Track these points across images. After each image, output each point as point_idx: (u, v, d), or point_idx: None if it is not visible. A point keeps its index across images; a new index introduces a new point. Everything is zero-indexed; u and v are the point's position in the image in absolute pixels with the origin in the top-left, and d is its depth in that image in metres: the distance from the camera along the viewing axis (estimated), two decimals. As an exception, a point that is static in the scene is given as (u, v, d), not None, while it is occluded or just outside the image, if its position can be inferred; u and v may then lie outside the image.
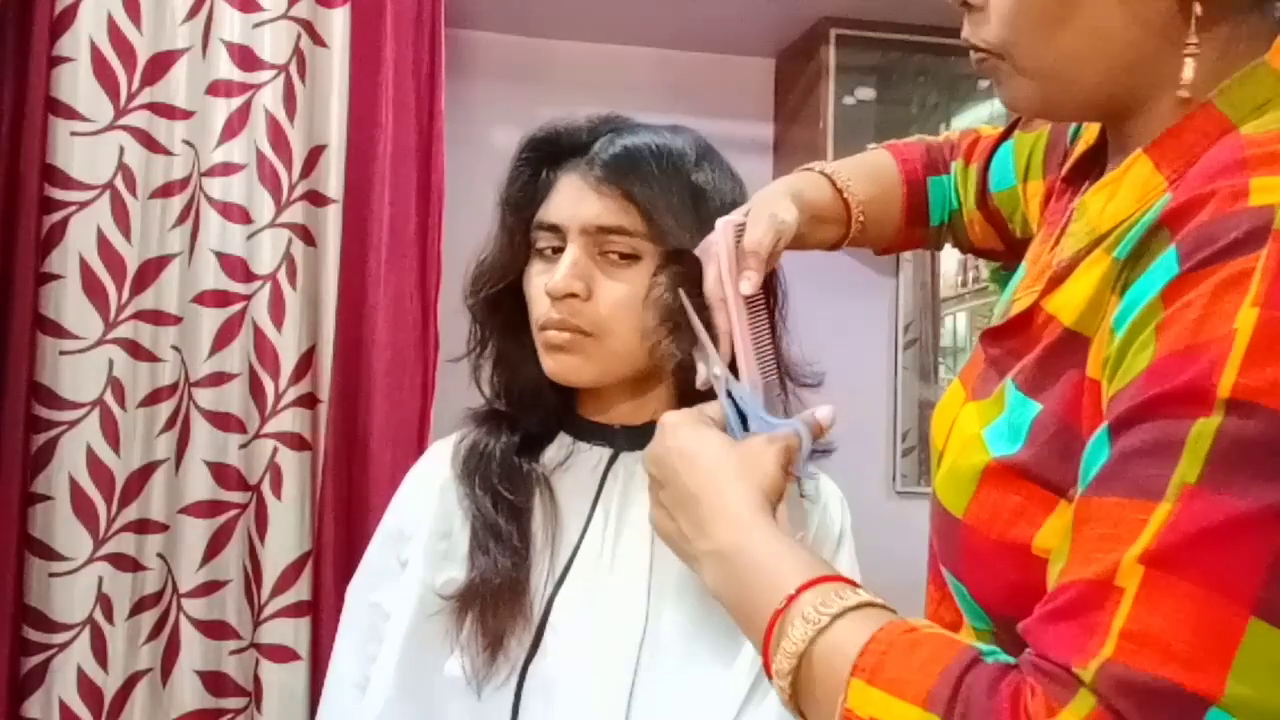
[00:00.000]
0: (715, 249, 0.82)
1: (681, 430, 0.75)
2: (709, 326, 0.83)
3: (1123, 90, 0.64)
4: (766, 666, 0.61)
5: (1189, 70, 0.60)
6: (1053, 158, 0.84)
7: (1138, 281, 0.56)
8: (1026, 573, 0.59)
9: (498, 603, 0.93)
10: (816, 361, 1.02)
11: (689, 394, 0.92)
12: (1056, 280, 0.64)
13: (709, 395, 0.84)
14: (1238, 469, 0.49)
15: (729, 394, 0.79)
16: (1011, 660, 0.54)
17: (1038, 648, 0.52)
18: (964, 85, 2.21)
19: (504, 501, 0.97)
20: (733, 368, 0.82)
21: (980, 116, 2.22)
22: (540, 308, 0.97)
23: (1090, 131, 0.74)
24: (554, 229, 0.98)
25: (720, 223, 0.83)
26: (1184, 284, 0.52)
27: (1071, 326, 0.61)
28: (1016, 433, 0.62)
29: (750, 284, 0.79)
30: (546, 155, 1.01)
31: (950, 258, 2.53)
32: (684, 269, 0.93)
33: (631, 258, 0.96)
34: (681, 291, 0.89)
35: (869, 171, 0.97)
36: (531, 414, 1.03)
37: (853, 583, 0.61)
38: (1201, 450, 0.49)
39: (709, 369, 0.82)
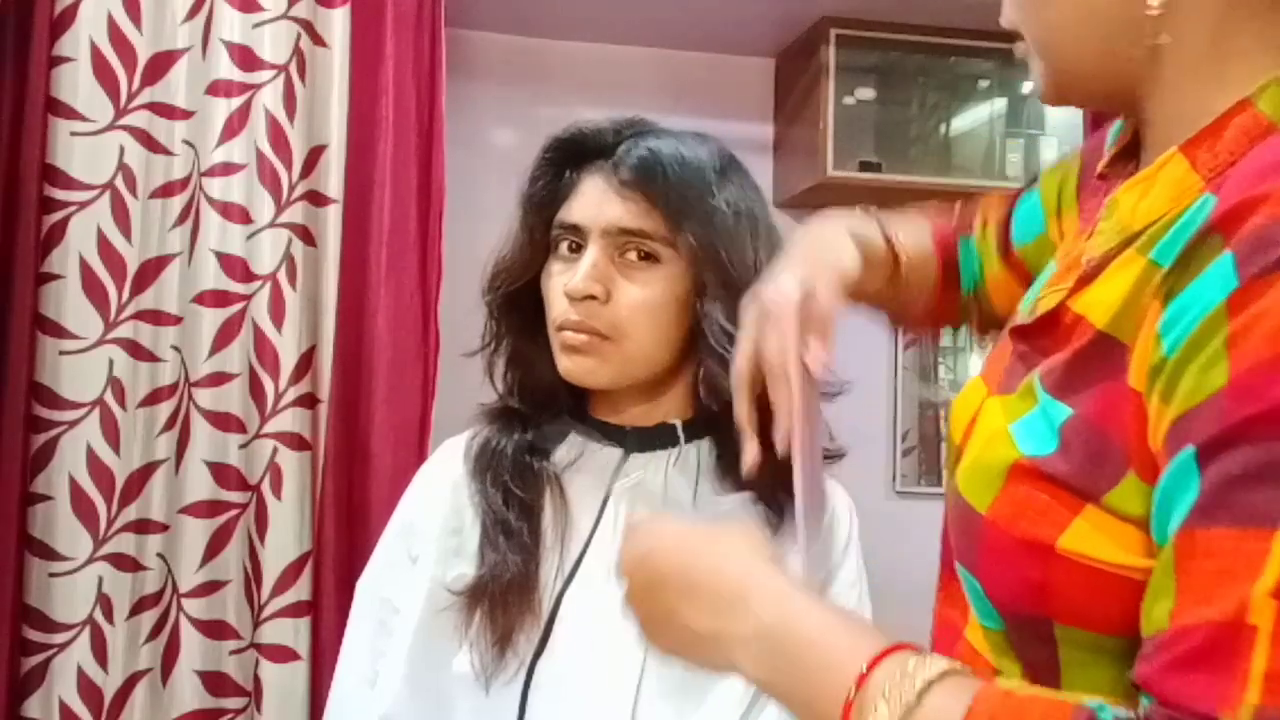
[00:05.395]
0: (777, 311, 0.73)
1: (651, 530, 0.70)
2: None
3: (1123, 66, 0.63)
4: None
5: (1152, 30, 0.59)
6: (1086, 180, 0.81)
7: (1187, 289, 0.54)
8: (1048, 572, 0.57)
9: (507, 599, 0.94)
10: (840, 370, 1.01)
11: (701, 398, 0.94)
12: (1085, 279, 0.63)
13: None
14: None
15: None
16: (1126, 714, 0.51)
17: (1169, 699, 0.49)
18: (964, 85, 2.21)
19: (515, 499, 0.98)
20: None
21: (980, 116, 2.22)
22: (558, 308, 0.97)
23: (1128, 130, 0.73)
24: (575, 229, 0.98)
25: (785, 281, 0.73)
26: (1248, 294, 0.50)
27: (1105, 330, 0.59)
28: (1047, 434, 0.60)
29: (820, 362, 0.71)
30: (570, 156, 1.01)
31: (950, 258, 2.52)
32: (716, 296, 0.93)
33: (651, 258, 0.96)
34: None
35: (905, 223, 0.92)
36: (544, 413, 1.04)
37: (914, 647, 0.58)
38: None
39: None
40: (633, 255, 0.96)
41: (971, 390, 0.72)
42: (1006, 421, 0.63)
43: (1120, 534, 0.55)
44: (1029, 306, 0.71)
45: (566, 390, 1.02)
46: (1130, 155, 0.71)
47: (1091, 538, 0.56)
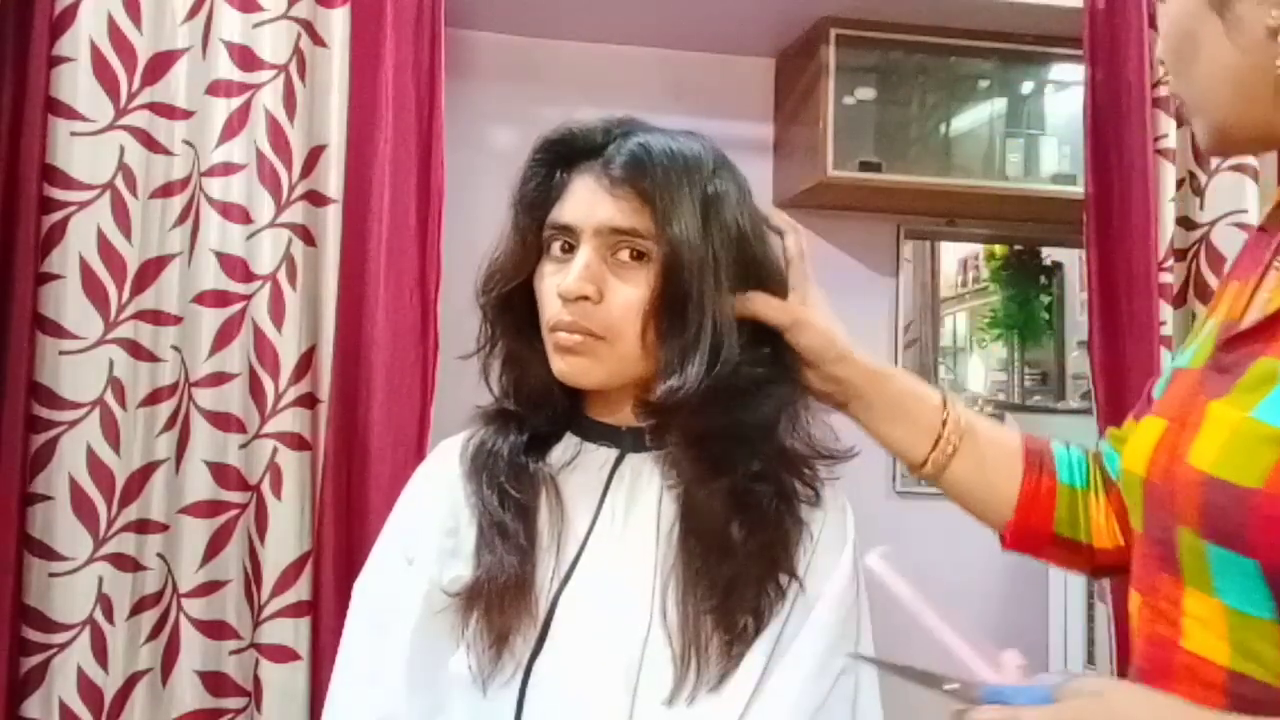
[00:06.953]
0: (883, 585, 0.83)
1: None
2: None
3: (1272, 114, 0.71)
4: None
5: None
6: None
7: None
8: None
9: (503, 600, 0.93)
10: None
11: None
12: None
13: None
14: None
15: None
16: None
17: None
18: (964, 85, 2.21)
19: (511, 500, 0.98)
20: None
21: (980, 116, 2.22)
22: (551, 309, 0.97)
23: None
24: (567, 229, 0.98)
25: (869, 561, 0.85)
26: None
27: None
28: None
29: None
30: (561, 156, 1.01)
31: (950, 257, 2.53)
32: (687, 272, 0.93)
33: (643, 257, 0.96)
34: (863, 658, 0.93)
35: None
36: (539, 413, 1.03)
37: None
38: None
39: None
40: (625, 254, 0.96)
41: (1149, 425, 0.79)
42: (1244, 411, 0.69)
43: None
44: (1210, 336, 0.78)
45: (562, 391, 1.01)
46: None
47: None
